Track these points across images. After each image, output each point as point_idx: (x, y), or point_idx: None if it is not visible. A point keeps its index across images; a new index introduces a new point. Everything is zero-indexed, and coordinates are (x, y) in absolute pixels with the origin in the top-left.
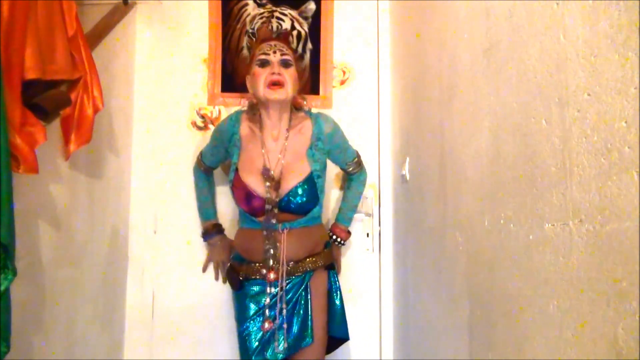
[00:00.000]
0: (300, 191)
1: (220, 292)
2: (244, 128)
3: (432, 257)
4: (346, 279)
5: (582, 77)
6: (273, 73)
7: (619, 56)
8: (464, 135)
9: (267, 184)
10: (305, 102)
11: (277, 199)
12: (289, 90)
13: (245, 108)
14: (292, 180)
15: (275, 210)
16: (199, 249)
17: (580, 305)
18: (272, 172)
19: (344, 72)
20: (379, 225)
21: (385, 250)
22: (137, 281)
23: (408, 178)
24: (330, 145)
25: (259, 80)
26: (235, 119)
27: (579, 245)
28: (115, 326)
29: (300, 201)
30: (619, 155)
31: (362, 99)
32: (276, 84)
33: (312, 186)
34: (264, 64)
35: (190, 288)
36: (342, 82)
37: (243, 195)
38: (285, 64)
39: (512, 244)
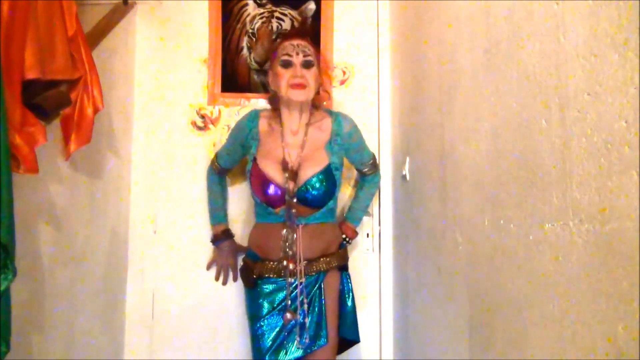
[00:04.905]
0: (317, 181)
1: (221, 292)
2: (263, 124)
3: (432, 257)
4: None
5: (582, 77)
6: (295, 76)
7: (619, 56)
8: (464, 135)
9: (286, 174)
10: (328, 97)
11: (295, 189)
12: (310, 91)
13: (262, 108)
14: (310, 170)
15: (294, 200)
16: (199, 249)
17: (580, 305)
18: (290, 165)
19: (344, 72)
20: (379, 225)
21: (385, 250)
22: (137, 281)
23: (408, 178)
24: (349, 144)
25: (282, 81)
26: (254, 115)
27: (579, 245)
28: (115, 326)
29: (316, 192)
30: (619, 155)
31: (362, 99)
32: (299, 86)
33: (330, 177)
34: (287, 64)
35: (190, 288)
36: (342, 82)
37: (260, 184)
38: (307, 64)
39: (512, 244)
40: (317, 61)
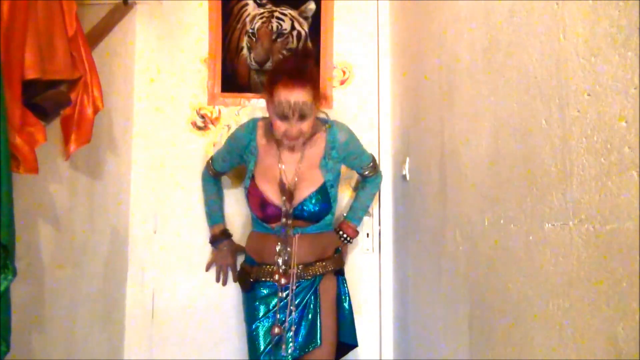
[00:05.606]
0: (313, 201)
1: (221, 293)
2: (261, 136)
3: (432, 257)
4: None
5: (582, 77)
6: (291, 130)
7: (619, 56)
8: (464, 135)
9: (283, 197)
10: (326, 115)
11: (291, 209)
12: (305, 135)
13: (260, 117)
14: (306, 190)
15: (289, 221)
16: (199, 249)
17: (580, 305)
18: (287, 186)
19: (344, 72)
20: (379, 225)
21: (385, 250)
22: (137, 281)
23: (408, 178)
24: (345, 153)
25: (277, 129)
26: (252, 126)
27: (579, 245)
28: (115, 326)
29: (312, 210)
30: (619, 155)
31: (362, 99)
32: (294, 138)
33: (325, 196)
34: (283, 118)
35: (190, 288)
36: (342, 82)
37: (258, 203)
38: (302, 117)
39: (512, 244)
40: (313, 98)
